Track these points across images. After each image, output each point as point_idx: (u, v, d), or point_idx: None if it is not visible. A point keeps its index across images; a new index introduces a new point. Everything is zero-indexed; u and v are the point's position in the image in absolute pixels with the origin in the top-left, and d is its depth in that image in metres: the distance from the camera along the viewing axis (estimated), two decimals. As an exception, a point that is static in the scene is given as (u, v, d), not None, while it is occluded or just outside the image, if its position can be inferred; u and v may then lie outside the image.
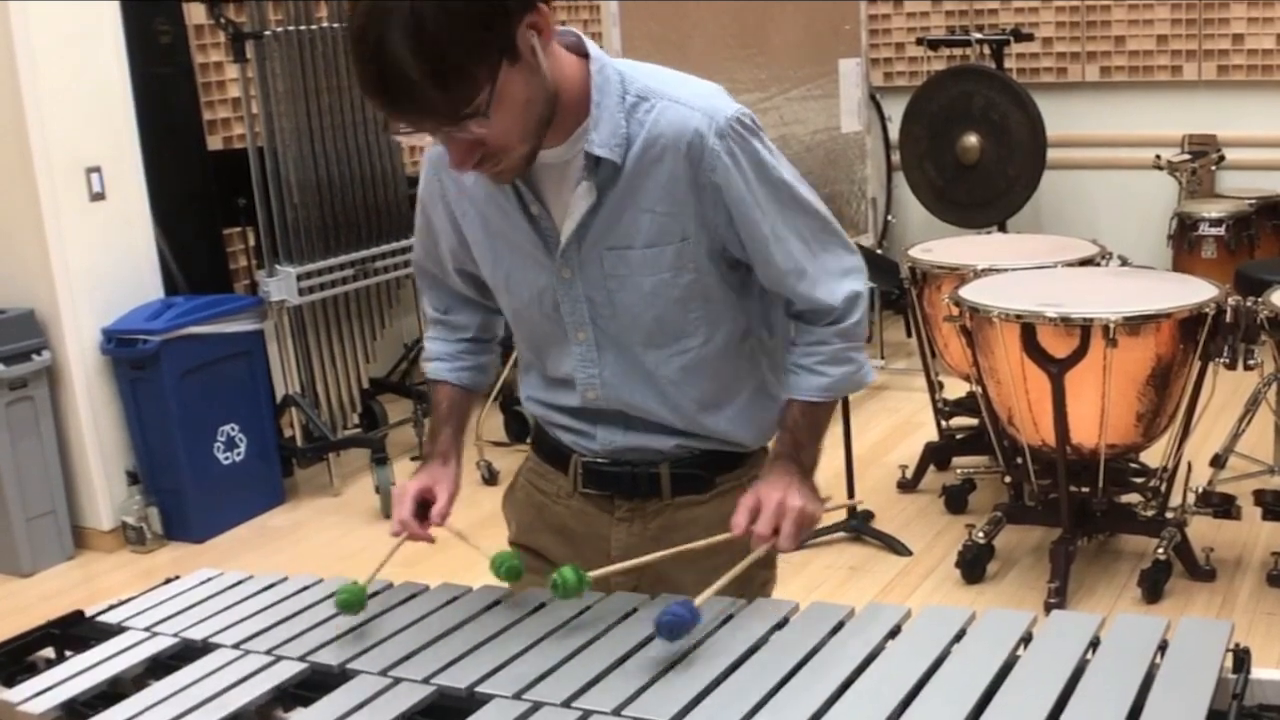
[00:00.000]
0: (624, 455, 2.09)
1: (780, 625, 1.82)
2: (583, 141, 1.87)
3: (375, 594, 2.07)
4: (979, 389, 4.39)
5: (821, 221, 1.99)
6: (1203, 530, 4.35)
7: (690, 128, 1.86)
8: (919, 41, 7.65)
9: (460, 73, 1.67)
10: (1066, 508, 4.18)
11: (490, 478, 5.45)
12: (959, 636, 1.75)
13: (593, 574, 1.89)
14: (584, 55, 1.89)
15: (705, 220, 1.91)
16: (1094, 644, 1.70)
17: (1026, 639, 1.73)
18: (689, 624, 1.75)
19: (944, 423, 5.21)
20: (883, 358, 6.72)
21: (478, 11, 1.66)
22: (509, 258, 2.03)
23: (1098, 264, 4.75)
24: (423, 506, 2.14)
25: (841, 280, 1.99)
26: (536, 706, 1.67)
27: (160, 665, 1.95)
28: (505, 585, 2.07)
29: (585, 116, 1.87)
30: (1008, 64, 7.28)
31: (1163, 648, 1.67)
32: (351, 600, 1.98)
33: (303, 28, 5.35)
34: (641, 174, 1.89)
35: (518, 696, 1.70)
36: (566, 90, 1.84)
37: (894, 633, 1.79)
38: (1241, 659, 1.64)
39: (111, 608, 2.19)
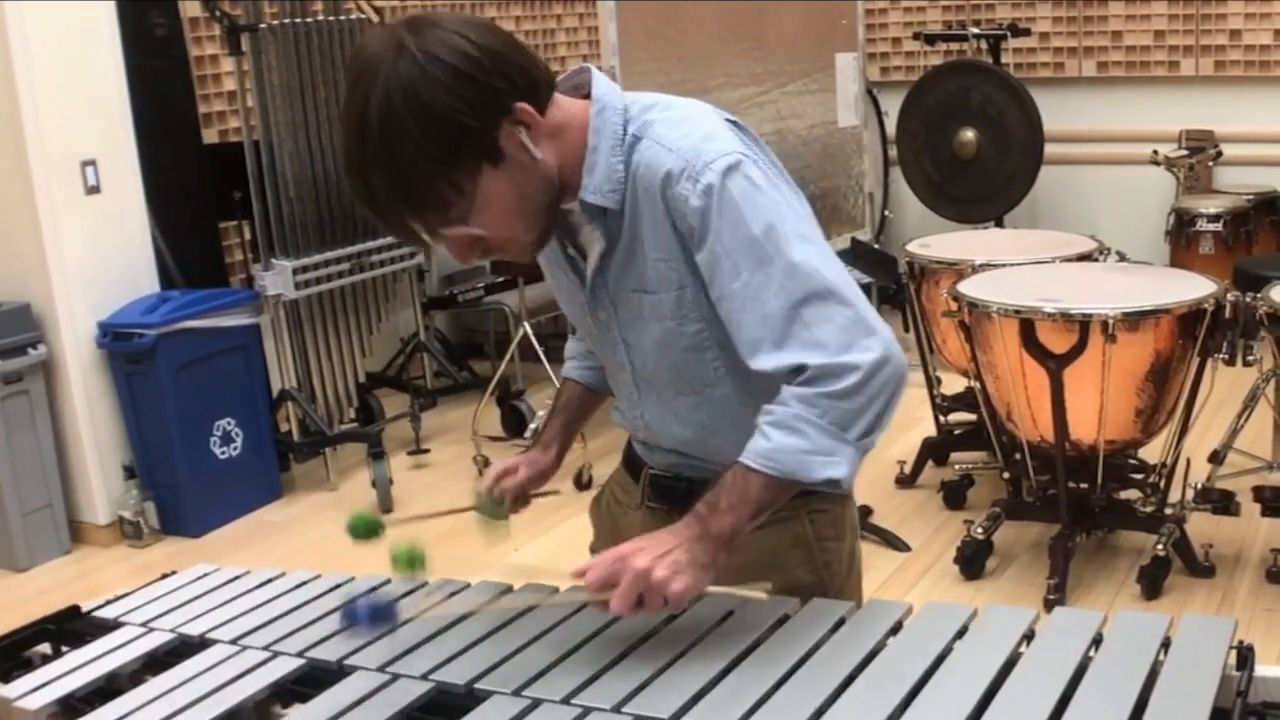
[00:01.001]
0: (683, 471, 2.02)
1: (781, 622, 1.81)
2: None
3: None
4: (977, 384, 4.38)
5: (822, 287, 1.73)
6: (1202, 526, 4.34)
7: (662, 171, 1.75)
8: (916, 36, 7.65)
9: (431, 192, 1.67)
10: (1065, 504, 4.17)
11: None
12: (961, 633, 1.75)
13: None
14: (587, 97, 1.83)
15: (695, 270, 1.79)
16: (1097, 641, 1.69)
17: (1029, 636, 1.73)
18: (362, 623, 1.76)
19: (942, 418, 5.21)
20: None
21: (439, 134, 1.64)
22: (564, 298, 2.02)
23: (1096, 260, 4.74)
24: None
25: (834, 353, 1.71)
26: (536, 703, 1.66)
27: (157, 661, 1.95)
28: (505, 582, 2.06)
29: None
30: (1005, 59, 7.27)
31: (1166, 645, 1.66)
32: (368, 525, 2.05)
33: (298, 21, 5.34)
34: (637, 217, 1.81)
35: (517, 693, 1.69)
36: (576, 146, 1.79)
37: (895, 629, 1.78)
38: (1245, 656, 1.63)
39: (108, 603, 2.18)
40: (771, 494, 1.74)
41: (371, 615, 1.73)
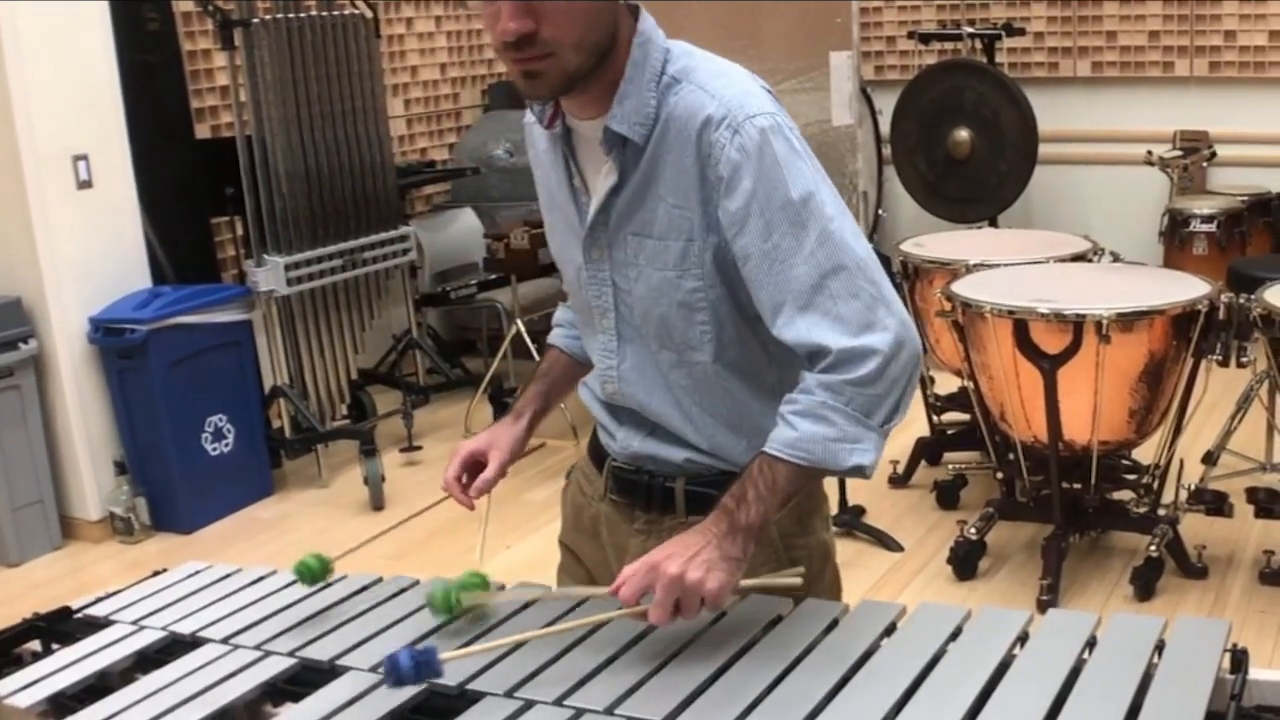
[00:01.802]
0: (643, 463, 2.00)
1: (774, 623, 1.81)
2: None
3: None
4: (971, 384, 4.38)
5: (852, 259, 1.73)
6: (1195, 527, 4.34)
7: (702, 115, 1.75)
8: (910, 35, 7.64)
9: None
10: (1059, 504, 4.17)
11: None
12: (955, 635, 1.74)
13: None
14: (635, 24, 1.82)
15: (711, 223, 1.78)
16: (1091, 643, 1.68)
17: (1023, 638, 1.72)
18: (408, 677, 1.65)
19: (935, 418, 5.21)
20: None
21: None
22: (560, 232, 1.99)
23: (1090, 260, 4.74)
24: (474, 468, 2.10)
25: (855, 332, 1.71)
26: (528, 705, 1.65)
27: (148, 659, 1.94)
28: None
29: None
30: (999, 59, 7.26)
31: (1160, 647, 1.66)
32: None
33: (291, 16, 5.33)
34: (660, 158, 1.79)
35: (509, 694, 1.68)
36: (619, 51, 1.78)
37: (889, 630, 1.78)
38: (1239, 659, 1.63)
39: (99, 600, 2.18)
40: (798, 483, 1.75)
41: (416, 669, 1.66)
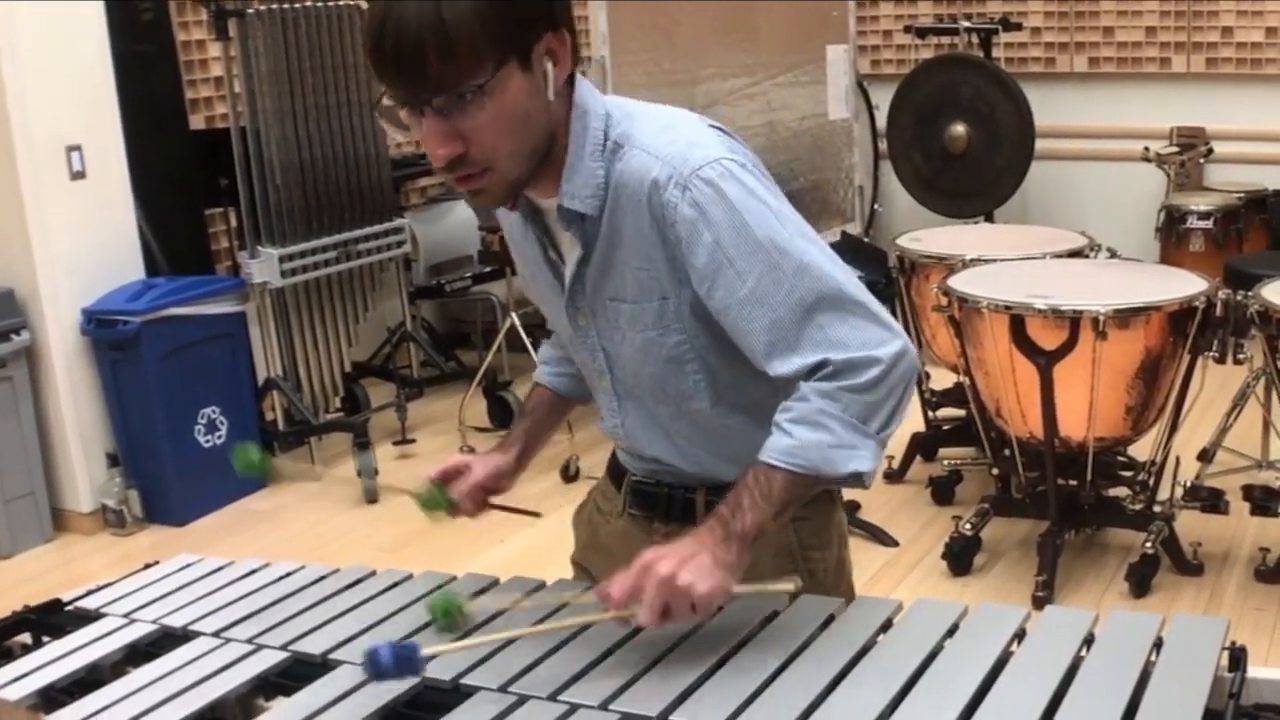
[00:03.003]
0: (661, 475, 2.00)
1: (771, 619, 1.80)
2: None
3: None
4: (967, 380, 4.37)
5: (833, 286, 1.71)
6: (1190, 525, 4.33)
7: (649, 179, 1.72)
8: (907, 29, 7.64)
9: (470, 45, 1.60)
10: (1054, 500, 4.16)
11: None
12: (952, 631, 1.73)
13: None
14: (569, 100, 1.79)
15: (683, 279, 1.76)
16: (1088, 641, 1.68)
17: (1020, 634, 1.71)
18: (387, 671, 1.62)
19: (931, 413, 5.20)
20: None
21: (505, 4, 1.62)
22: (549, 301, 1.97)
23: (1086, 256, 4.74)
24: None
25: (854, 349, 1.70)
26: (522, 700, 1.64)
27: (139, 652, 1.94)
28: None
29: None
30: (996, 53, 7.26)
31: (1158, 645, 1.65)
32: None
33: (286, 6, 5.31)
34: (617, 226, 1.77)
35: (503, 689, 1.67)
36: (557, 129, 1.76)
37: (886, 626, 1.77)
38: (1238, 657, 1.63)
39: (90, 593, 2.17)
40: (795, 491, 1.72)
41: (397, 664, 1.64)
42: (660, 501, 2.01)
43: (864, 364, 1.69)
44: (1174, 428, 4.22)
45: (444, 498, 2.01)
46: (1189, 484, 4.34)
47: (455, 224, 6.75)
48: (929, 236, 5.11)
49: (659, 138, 1.75)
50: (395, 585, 2.07)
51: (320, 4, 5.46)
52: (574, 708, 1.61)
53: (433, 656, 1.68)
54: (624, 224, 1.77)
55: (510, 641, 1.79)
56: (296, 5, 5.36)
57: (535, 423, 2.20)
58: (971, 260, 4.57)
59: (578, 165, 1.76)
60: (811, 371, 1.71)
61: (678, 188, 1.70)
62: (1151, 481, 4.27)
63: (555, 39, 1.68)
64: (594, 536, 2.16)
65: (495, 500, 2.08)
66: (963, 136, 7.01)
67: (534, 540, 4.47)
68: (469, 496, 2.05)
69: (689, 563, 1.63)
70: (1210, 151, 6.94)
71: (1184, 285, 4.09)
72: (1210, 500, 4.30)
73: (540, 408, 2.22)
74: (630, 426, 1.97)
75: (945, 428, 5.22)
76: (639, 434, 1.96)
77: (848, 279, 1.73)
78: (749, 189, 1.72)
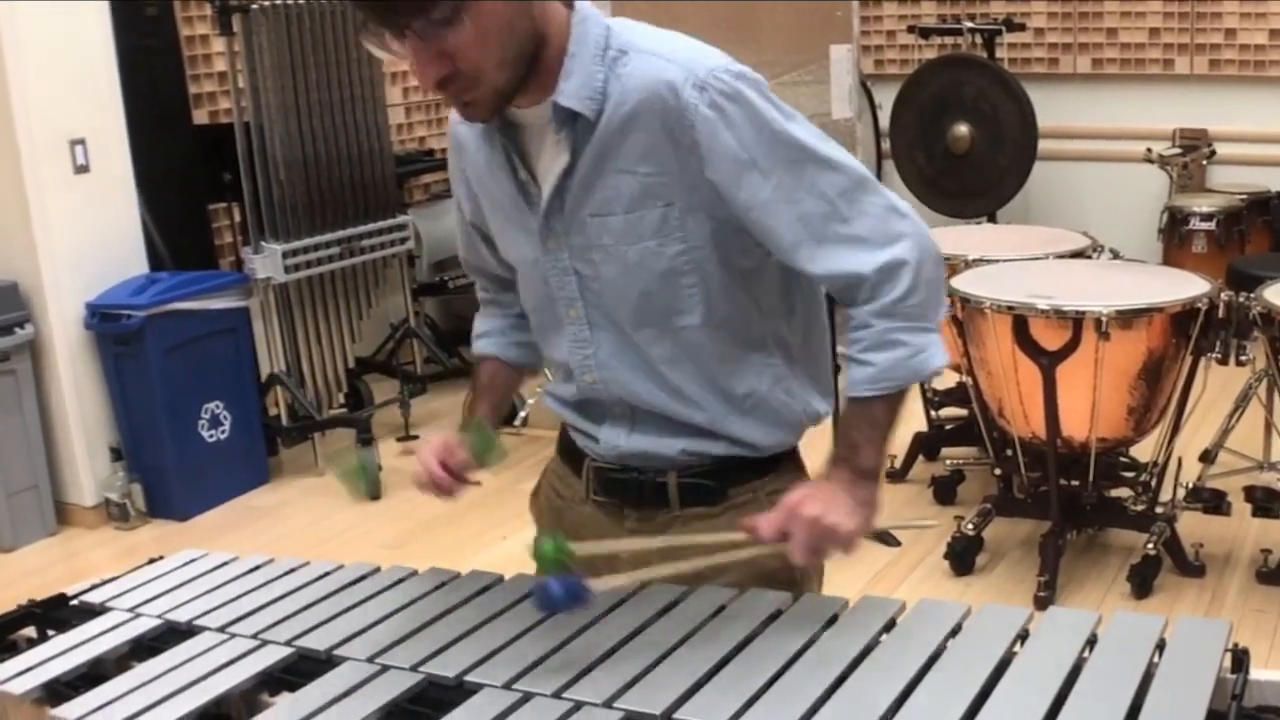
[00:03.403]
0: (629, 461, 1.96)
1: (774, 617, 1.80)
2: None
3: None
4: (969, 380, 4.37)
5: (854, 178, 1.76)
6: (1192, 526, 4.34)
7: (663, 80, 1.72)
8: (911, 29, 7.63)
9: None
10: (1056, 501, 4.16)
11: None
12: (955, 631, 1.73)
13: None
14: (569, 6, 1.79)
15: (692, 184, 1.75)
16: (1091, 642, 1.68)
17: (1023, 635, 1.71)
18: (561, 603, 1.68)
19: (933, 413, 5.20)
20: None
21: None
22: (509, 230, 1.94)
23: (1089, 257, 4.74)
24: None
25: (878, 247, 1.75)
26: (527, 697, 1.64)
27: (143, 647, 1.93)
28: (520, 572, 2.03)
29: None
30: (999, 54, 7.26)
31: (1161, 647, 1.65)
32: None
33: (290, 2, 5.31)
34: (618, 132, 1.75)
35: (508, 686, 1.67)
36: (552, 42, 1.74)
37: (889, 626, 1.77)
38: (1240, 659, 1.63)
39: (94, 587, 2.17)
40: (894, 409, 1.80)
41: (569, 595, 1.68)
42: (630, 487, 1.99)
43: (894, 270, 1.75)
44: (1176, 429, 4.22)
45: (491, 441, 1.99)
46: (1191, 485, 4.35)
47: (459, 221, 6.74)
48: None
49: (668, 44, 1.77)
50: (399, 582, 2.06)
51: (325, 0, 5.46)
52: (578, 705, 1.61)
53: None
54: (627, 128, 1.76)
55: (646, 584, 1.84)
56: (301, 1, 5.36)
57: (499, 398, 2.18)
58: (974, 260, 4.57)
59: (577, 66, 1.75)
60: (849, 291, 1.77)
61: (695, 88, 1.71)
62: (1153, 482, 4.27)
63: None
64: (558, 522, 2.09)
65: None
66: (966, 137, 7.01)
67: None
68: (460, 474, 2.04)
69: (834, 504, 1.72)
70: (1213, 153, 6.95)
71: (1186, 286, 4.09)
72: (1212, 501, 4.31)
73: (497, 380, 2.18)
74: (604, 357, 1.91)
75: (947, 427, 5.22)
76: (613, 363, 1.91)
77: (865, 171, 1.78)
78: (762, 91, 1.75)
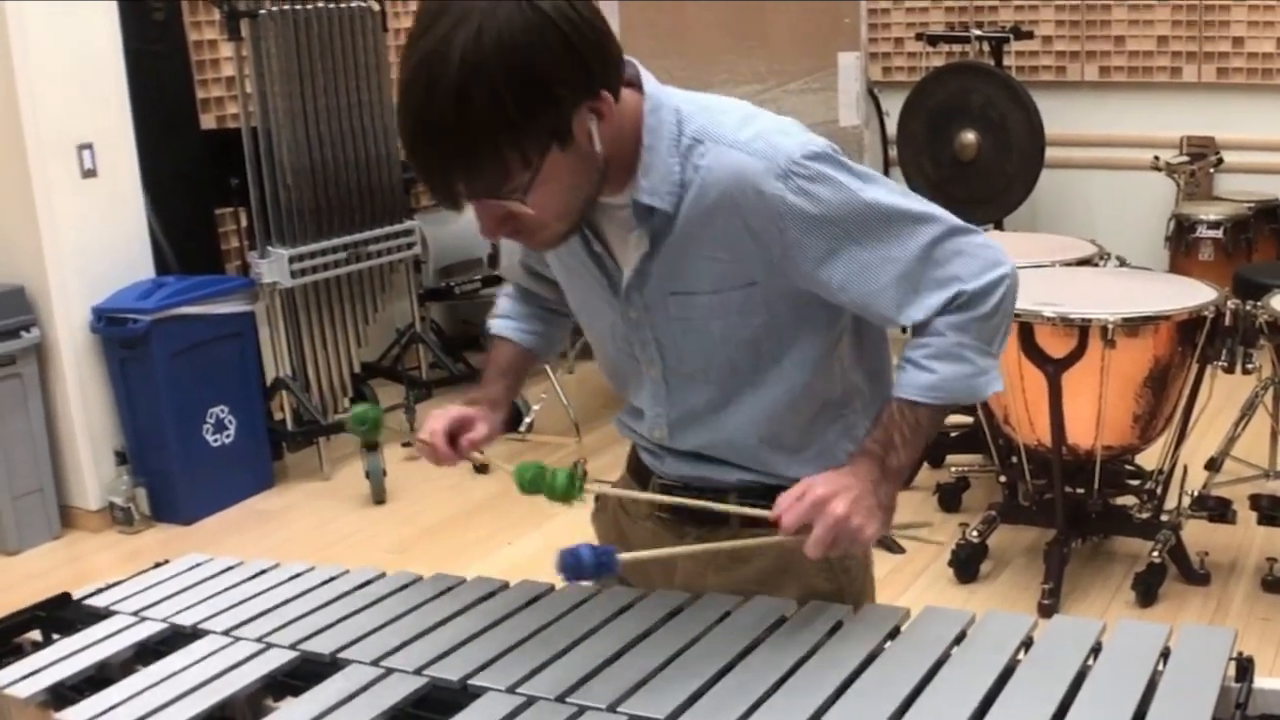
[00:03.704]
0: (692, 482, 1.96)
1: (778, 624, 1.80)
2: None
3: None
4: (975, 387, 4.35)
5: (943, 226, 1.77)
6: (1197, 534, 4.33)
7: (746, 174, 1.70)
8: (918, 37, 7.64)
9: (496, 156, 1.56)
10: (1061, 508, 4.16)
11: (481, 468, 5.42)
12: (959, 639, 1.73)
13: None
14: (639, 91, 1.76)
15: (775, 266, 1.75)
16: (1095, 650, 1.68)
17: (1027, 643, 1.71)
18: (586, 569, 1.69)
19: (938, 419, 5.18)
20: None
21: (528, 98, 1.54)
22: (579, 289, 1.95)
23: (1096, 264, 4.73)
24: (454, 438, 2.04)
25: (975, 276, 1.76)
26: (530, 701, 1.65)
27: (149, 651, 1.94)
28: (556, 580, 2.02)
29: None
30: (1007, 62, 7.26)
31: (1165, 655, 1.65)
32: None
33: (298, 7, 5.31)
34: (697, 222, 1.75)
35: (511, 690, 1.68)
36: (624, 139, 1.72)
37: (893, 633, 1.77)
38: (1245, 668, 1.63)
39: (99, 591, 2.17)
40: (937, 421, 1.81)
41: (597, 563, 1.69)
42: (690, 507, 1.97)
43: (987, 291, 1.76)
44: (1182, 437, 4.22)
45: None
46: (1196, 493, 4.34)
47: (465, 227, 6.70)
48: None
49: (742, 131, 1.74)
50: (404, 587, 2.07)
51: (333, 5, 5.47)
52: (582, 709, 1.62)
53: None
54: (707, 221, 1.74)
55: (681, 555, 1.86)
56: (309, 6, 5.36)
57: (514, 381, 2.18)
58: (981, 267, 4.55)
59: (654, 161, 1.74)
60: (944, 306, 1.76)
61: (778, 179, 1.70)
62: (1159, 490, 4.27)
63: (594, 102, 1.62)
64: (621, 536, 2.12)
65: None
66: (973, 144, 7.01)
67: (542, 543, 4.48)
68: (484, 440, 2.04)
69: (859, 504, 1.70)
70: (1220, 161, 6.94)
71: (1193, 294, 4.09)
72: (1218, 510, 4.30)
73: (515, 364, 2.19)
74: (676, 418, 1.93)
75: (953, 434, 5.21)
76: (685, 422, 1.92)
77: (944, 213, 1.78)
78: (840, 162, 1.74)
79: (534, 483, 1.90)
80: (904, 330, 1.82)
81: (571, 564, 1.68)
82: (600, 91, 1.62)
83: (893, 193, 1.76)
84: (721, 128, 1.75)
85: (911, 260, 1.74)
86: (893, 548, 4.45)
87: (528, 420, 5.63)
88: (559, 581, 2.02)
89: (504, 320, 2.21)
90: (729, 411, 1.89)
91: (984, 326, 1.77)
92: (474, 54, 1.51)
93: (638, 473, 2.09)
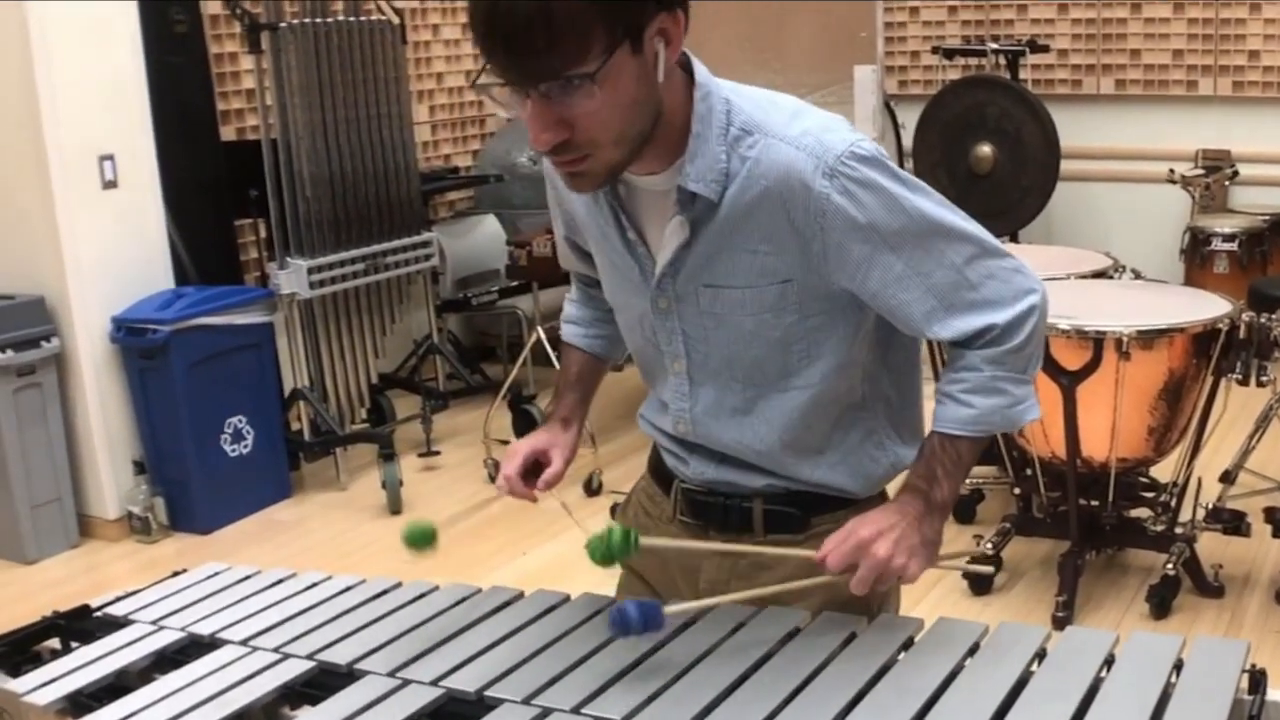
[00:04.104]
0: (717, 486, 1.97)
1: (792, 635, 1.81)
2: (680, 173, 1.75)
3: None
4: (990, 399, 4.36)
5: (980, 245, 1.77)
6: (1212, 546, 4.33)
7: (794, 169, 1.70)
8: (935, 50, 7.64)
9: (579, 31, 1.55)
10: (1075, 521, 4.16)
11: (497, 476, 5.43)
12: (973, 650, 1.74)
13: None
14: (690, 76, 1.76)
15: (813, 265, 1.75)
16: (1109, 661, 1.68)
17: (1041, 654, 1.72)
18: (634, 627, 1.71)
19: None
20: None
21: None
22: (615, 278, 1.94)
23: (1110, 277, 4.73)
24: (533, 467, 2.05)
25: (1006, 305, 1.78)
26: (546, 712, 1.66)
27: (167, 660, 1.95)
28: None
29: (686, 145, 1.74)
30: (1023, 75, 7.26)
31: (1178, 667, 1.66)
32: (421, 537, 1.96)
33: (318, 20, 5.35)
34: (741, 213, 1.74)
35: (527, 701, 1.69)
36: (672, 114, 1.72)
37: (907, 645, 1.77)
38: (1258, 680, 1.63)
39: (118, 600, 2.18)
40: (977, 452, 1.84)
41: (644, 619, 1.71)
42: (715, 511, 1.99)
43: (1019, 323, 1.78)
44: (1196, 449, 4.22)
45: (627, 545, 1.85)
46: (1211, 506, 4.34)
47: (483, 238, 6.78)
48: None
49: (792, 126, 1.74)
50: (421, 597, 2.08)
51: (352, 19, 5.51)
52: (596, 721, 1.63)
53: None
54: (751, 212, 1.75)
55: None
56: (329, 19, 5.40)
57: (585, 392, 2.19)
58: (996, 280, 4.56)
59: (702, 148, 1.74)
60: (974, 337, 1.78)
61: (825, 177, 1.70)
62: (1173, 503, 4.27)
63: (669, 18, 1.63)
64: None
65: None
66: (989, 157, 7.02)
67: (557, 552, 4.49)
68: (557, 477, 2.05)
69: (902, 544, 1.75)
70: (1236, 174, 6.94)
71: (1208, 307, 4.09)
72: (1232, 522, 4.29)
73: (584, 373, 2.19)
74: (699, 413, 1.93)
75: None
76: (708, 419, 1.92)
77: (981, 231, 1.79)
78: (886, 167, 1.74)
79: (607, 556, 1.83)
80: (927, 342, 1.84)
81: (619, 621, 1.71)
82: (675, 10, 1.64)
83: (935, 203, 1.76)
84: (771, 121, 1.75)
85: (944, 277, 1.76)
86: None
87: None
88: (574, 590, 2.04)
89: (571, 326, 2.22)
90: (753, 412, 1.89)
91: (1018, 357, 1.79)
92: None
93: (660, 475, 2.09)
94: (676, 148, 1.75)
